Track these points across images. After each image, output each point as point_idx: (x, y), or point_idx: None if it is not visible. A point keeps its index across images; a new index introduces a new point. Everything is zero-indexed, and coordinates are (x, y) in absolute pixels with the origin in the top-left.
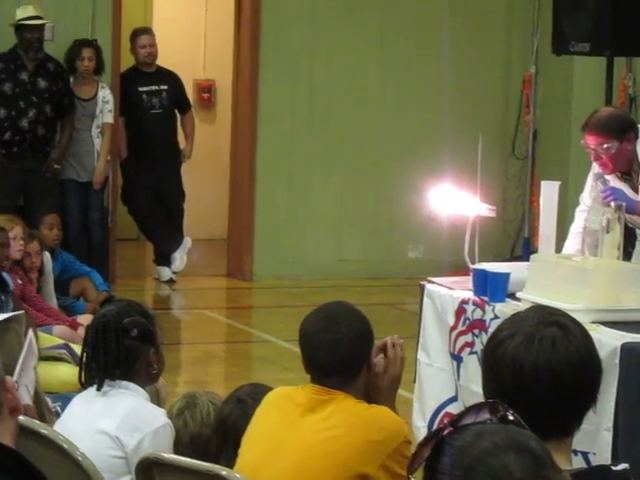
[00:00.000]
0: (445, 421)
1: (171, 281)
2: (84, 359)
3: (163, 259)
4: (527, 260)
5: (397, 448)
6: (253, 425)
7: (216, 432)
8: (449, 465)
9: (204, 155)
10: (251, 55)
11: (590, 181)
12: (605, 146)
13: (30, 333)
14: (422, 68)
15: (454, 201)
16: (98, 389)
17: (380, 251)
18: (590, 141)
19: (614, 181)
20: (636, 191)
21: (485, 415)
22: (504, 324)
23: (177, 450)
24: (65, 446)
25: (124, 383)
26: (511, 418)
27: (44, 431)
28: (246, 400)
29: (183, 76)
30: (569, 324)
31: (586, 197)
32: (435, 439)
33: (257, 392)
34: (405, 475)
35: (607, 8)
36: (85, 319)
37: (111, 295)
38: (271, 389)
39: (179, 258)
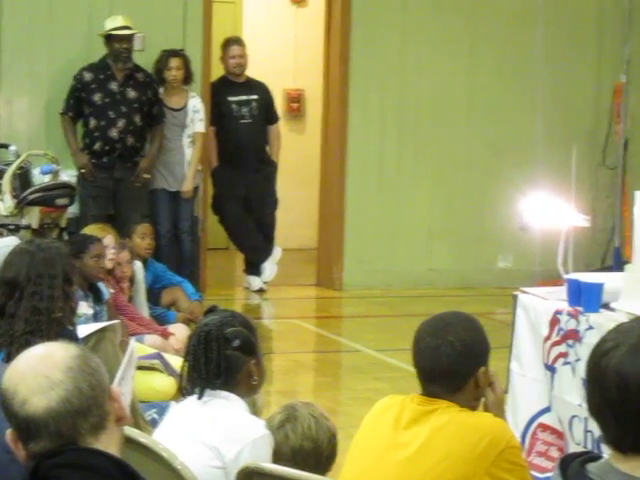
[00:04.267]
0: (538, 432)
1: (261, 290)
2: (185, 368)
3: (253, 268)
4: (618, 270)
5: (501, 454)
6: (358, 435)
7: None
8: None
9: (293, 165)
10: (341, 64)
11: None
12: None
13: (132, 342)
14: (512, 76)
15: (546, 211)
16: (199, 398)
17: (470, 261)
18: None
19: None
20: None
21: None
22: (608, 335)
23: (278, 463)
24: (165, 455)
25: (224, 393)
26: None
27: (144, 440)
28: None
29: (272, 86)
30: None
31: None
32: None
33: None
34: None
35: None
36: (176, 329)
37: (214, 305)
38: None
39: (269, 268)
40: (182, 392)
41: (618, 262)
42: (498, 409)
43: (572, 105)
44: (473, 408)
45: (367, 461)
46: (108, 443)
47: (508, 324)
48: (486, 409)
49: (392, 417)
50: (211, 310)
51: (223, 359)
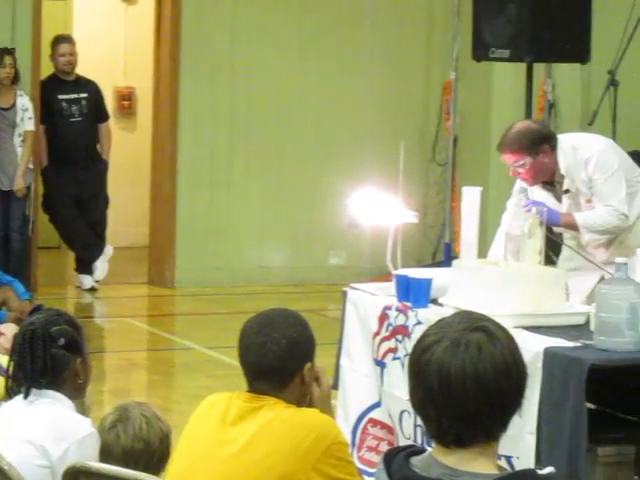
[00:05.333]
0: (369, 427)
1: (93, 289)
2: (11, 367)
3: (85, 267)
4: (448, 265)
5: (327, 450)
6: (185, 433)
7: None
8: None
9: (125, 163)
10: (171, 62)
11: (516, 190)
12: (519, 163)
13: None
14: (342, 73)
15: (375, 207)
16: (24, 398)
17: (302, 257)
18: (505, 159)
19: (538, 191)
20: (559, 200)
21: None
22: (430, 330)
23: (109, 463)
24: None
25: (50, 392)
26: None
27: None
28: None
29: (103, 84)
30: (495, 329)
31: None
32: None
33: None
34: (341, 477)
35: (526, 14)
36: (7, 328)
37: (39, 304)
38: None
39: (100, 267)
40: (9, 392)
41: (449, 257)
42: (324, 404)
43: (402, 102)
44: (300, 404)
45: (193, 458)
46: None
47: (339, 320)
48: (312, 404)
49: (218, 414)
50: (37, 309)
51: (48, 358)
